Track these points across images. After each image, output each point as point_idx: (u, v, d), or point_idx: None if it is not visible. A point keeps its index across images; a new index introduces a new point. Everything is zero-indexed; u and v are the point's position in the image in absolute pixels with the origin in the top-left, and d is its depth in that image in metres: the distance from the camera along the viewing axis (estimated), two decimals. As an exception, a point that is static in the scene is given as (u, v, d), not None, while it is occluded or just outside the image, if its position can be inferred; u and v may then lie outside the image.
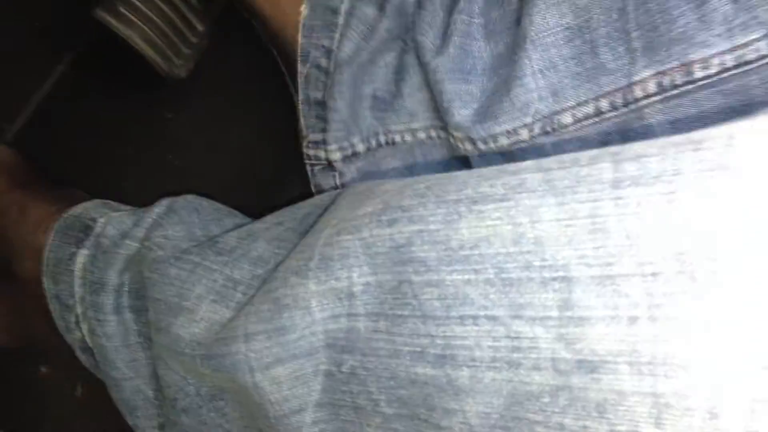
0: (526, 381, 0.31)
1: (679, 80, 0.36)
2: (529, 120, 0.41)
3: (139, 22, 0.49)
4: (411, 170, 0.49)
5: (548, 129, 0.41)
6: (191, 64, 0.53)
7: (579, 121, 0.40)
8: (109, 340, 0.48)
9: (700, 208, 0.29)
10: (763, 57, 0.34)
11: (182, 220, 0.49)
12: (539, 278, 0.31)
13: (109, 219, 0.50)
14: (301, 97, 0.50)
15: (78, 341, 0.50)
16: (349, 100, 0.48)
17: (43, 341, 0.54)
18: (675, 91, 0.37)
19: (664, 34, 0.36)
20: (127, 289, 0.48)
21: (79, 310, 0.49)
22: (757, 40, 0.34)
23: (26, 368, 0.57)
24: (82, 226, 0.50)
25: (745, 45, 0.34)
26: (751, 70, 0.35)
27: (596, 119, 0.39)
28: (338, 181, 0.50)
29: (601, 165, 0.31)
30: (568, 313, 0.31)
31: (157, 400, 0.48)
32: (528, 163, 0.34)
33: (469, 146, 0.44)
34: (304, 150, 0.50)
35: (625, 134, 0.39)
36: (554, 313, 0.31)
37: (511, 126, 0.41)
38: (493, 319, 0.32)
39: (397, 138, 0.48)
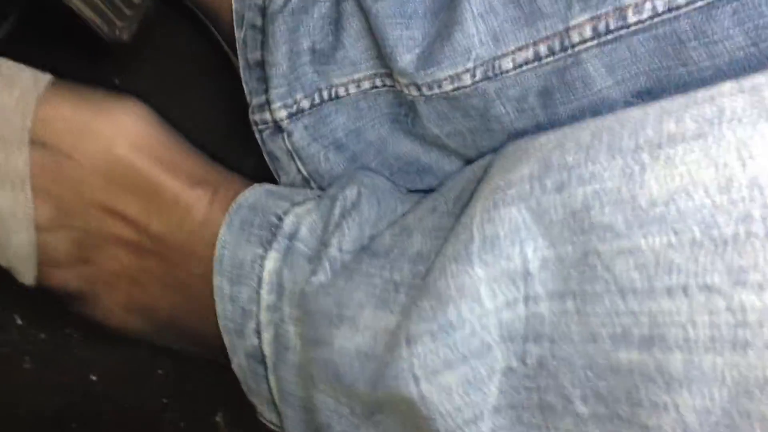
0: (758, 365, 0.26)
1: (613, 25, 0.37)
2: (470, 65, 0.41)
3: (79, -16, 0.47)
4: (358, 123, 0.48)
5: (489, 74, 0.41)
6: (134, 27, 0.50)
7: (519, 66, 0.40)
8: None
9: None
10: (693, 1, 0.35)
11: (361, 218, 0.43)
12: (764, 231, 0.26)
13: (299, 218, 0.44)
14: (240, 63, 0.50)
15: (248, 348, 0.45)
16: (287, 54, 0.48)
17: (197, 339, 0.49)
18: (610, 36, 0.37)
19: None
20: None
21: (263, 318, 0.44)
22: None
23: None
24: (264, 223, 0.44)
25: None
26: (681, 15, 0.35)
27: (535, 64, 0.40)
28: (287, 142, 0.49)
29: None
30: None
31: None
32: (724, 85, 0.28)
33: (414, 92, 0.44)
34: (251, 117, 0.50)
35: (564, 79, 0.40)
36: None
37: (453, 71, 0.42)
38: (707, 288, 0.27)
39: (341, 91, 0.48)
